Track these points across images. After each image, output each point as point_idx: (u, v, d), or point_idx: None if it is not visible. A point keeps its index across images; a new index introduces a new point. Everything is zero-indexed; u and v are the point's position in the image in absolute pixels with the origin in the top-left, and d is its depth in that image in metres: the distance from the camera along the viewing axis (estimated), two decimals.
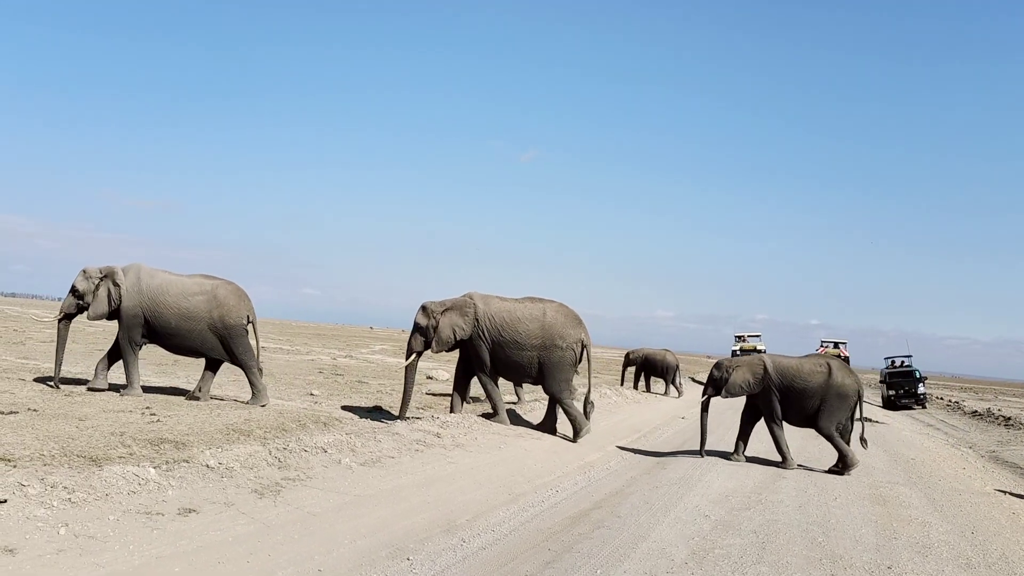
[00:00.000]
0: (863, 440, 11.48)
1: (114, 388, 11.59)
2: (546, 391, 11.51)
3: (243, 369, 11.40)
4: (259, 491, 6.68)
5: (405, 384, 11.34)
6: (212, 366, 11.69)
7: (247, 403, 11.18)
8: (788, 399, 11.36)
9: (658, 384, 25.73)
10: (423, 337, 11.36)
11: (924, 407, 29.84)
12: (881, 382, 32.08)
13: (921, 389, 29.85)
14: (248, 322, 11.45)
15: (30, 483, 5.62)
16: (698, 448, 12.09)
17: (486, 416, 12.32)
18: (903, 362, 32.02)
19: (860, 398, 11.33)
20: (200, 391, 11.48)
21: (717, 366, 11.90)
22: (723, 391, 11.63)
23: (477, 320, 11.17)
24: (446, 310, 11.24)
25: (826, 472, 11.27)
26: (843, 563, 6.51)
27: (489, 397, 11.32)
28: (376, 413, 12.27)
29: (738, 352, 32.59)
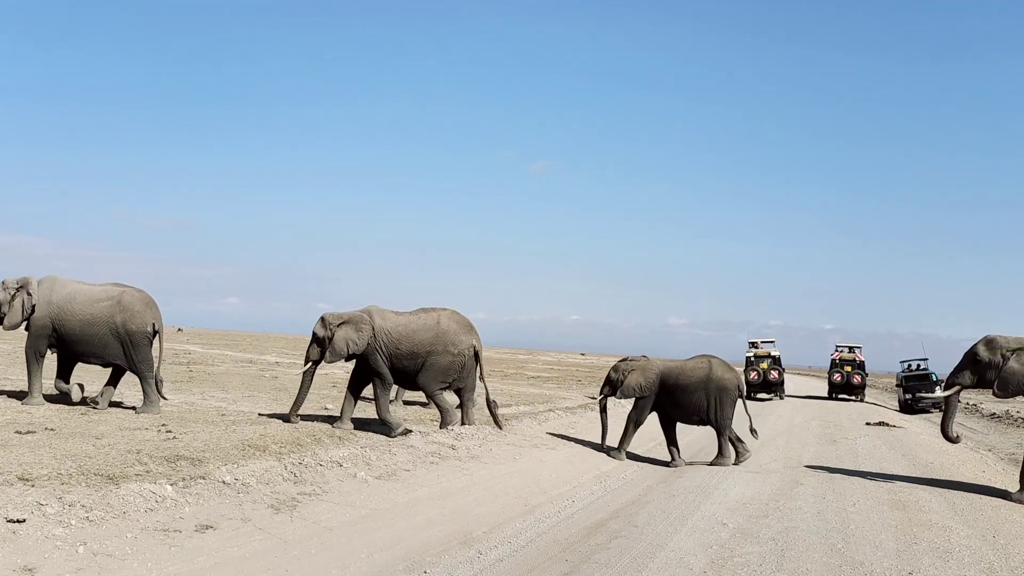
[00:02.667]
0: (753, 431, 12.11)
1: (126, 406, 11.64)
2: (423, 390, 11.86)
3: (139, 377, 11.44)
4: (275, 506, 6.69)
5: (300, 388, 11.67)
6: (115, 376, 11.80)
7: (137, 411, 11.19)
8: (674, 397, 11.93)
9: None
10: (319, 348, 11.63)
11: (941, 410, 29.60)
12: (897, 386, 31.82)
13: (938, 392, 29.58)
14: (154, 330, 11.53)
15: (48, 502, 5.66)
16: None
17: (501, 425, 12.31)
18: (919, 365, 31.72)
19: (741, 393, 11.96)
20: (101, 396, 11.57)
21: (615, 369, 12.38)
22: (618, 392, 12.11)
23: (374, 334, 11.39)
24: (342, 323, 11.54)
25: (708, 464, 11.92)
26: (863, 569, 6.45)
27: (378, 404, 11.50)
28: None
29: (752, 359, 32.35)
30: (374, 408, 11.54)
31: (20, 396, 11.83)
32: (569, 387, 25.60)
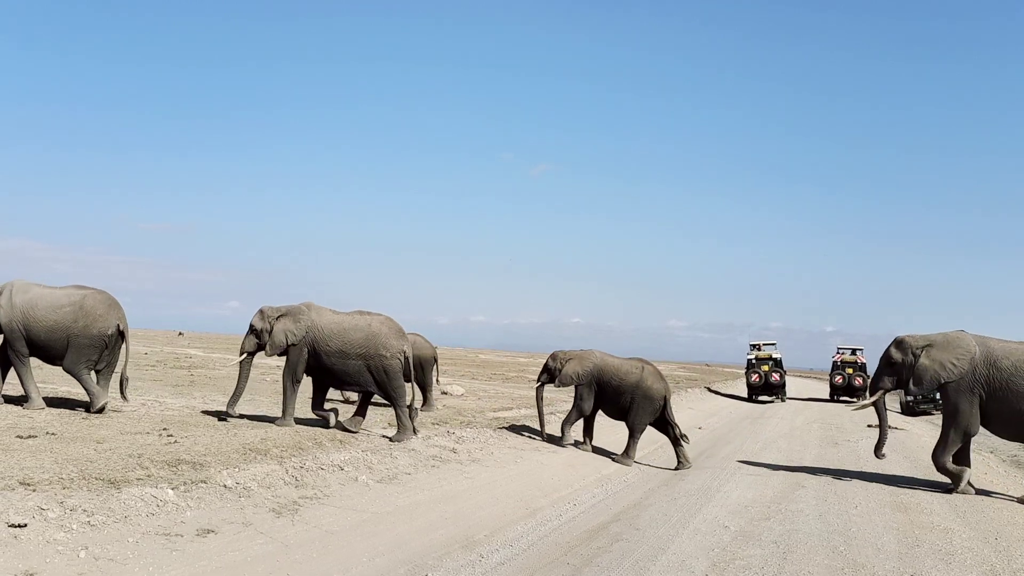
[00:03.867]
0: (684, 436, 12.48)
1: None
2: (383, 396, 11.93)
3: (76, 377, 11.50)
4: (277, 510, 6.69)
5: (238, 380, 11.81)
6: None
7: (85, 411, 11.27)
8: (606, 394, 12.35)
9: None
10: (256, 339, 11.82)
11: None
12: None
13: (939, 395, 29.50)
14: (118, 331, 11.59)
15: (50, 507, 5.66)
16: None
17: (514, 431, 12.31)
18: None
19: (666, 402, 12.29)
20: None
21: (552, 357, 12.86)
22: (556, 380, 12.54)
23: (308, 329, 11.54)
24: (281, 316, 11.72)
25: (613, 459, 12.11)
26: (865, 572, 6.44)
27: (284, 399, 11.62)
28: (392, 430, 12.29)
29: (753, 361, 32.32)
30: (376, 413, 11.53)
31: (20, 400, 11.83)
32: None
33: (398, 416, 11.62)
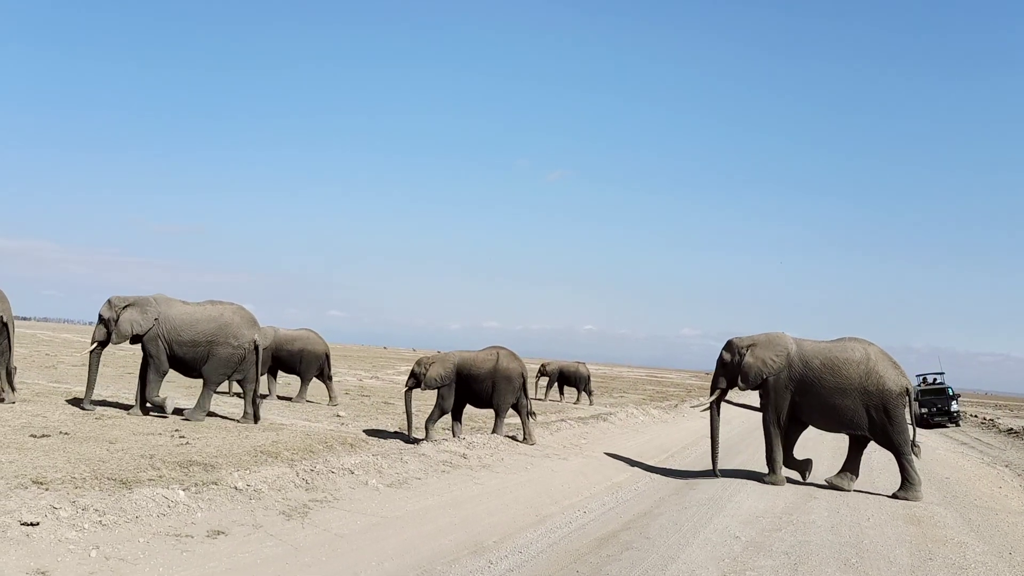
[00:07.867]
0: (532, 413, 12.93)
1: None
2: (205, 379, 12.16)
3: None
4: (287, 513, 6.70)
5: (88, 372, 11.97)
6: None
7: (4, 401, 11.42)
8: (469, 385, 12.74)
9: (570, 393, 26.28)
10: (105, 329, 12.02)
11: (957, 425, 29.27)
12: (913, 400, 31.44)
13: (954, 407, 29.23)
14: (2, 323, 11.77)
15: (62, 506, 5.69)
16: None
17: (514, 439, 12.31)
18: (935, 379, 31.39)
19: (524, 379, 12.81)
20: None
21: (418, 363, 13.15)
22: (422, 384, 12.81)
23: (157, 320, 11.68)
24: (128, 305, 12.02)
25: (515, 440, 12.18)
26: None
27: (148, 390, 11.87)
28: (402, 434, 12.31)
29: None
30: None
31: (34, 400, 11.94)
32: (581, 397, 25.52)
33: (246, 402, 11.85)
